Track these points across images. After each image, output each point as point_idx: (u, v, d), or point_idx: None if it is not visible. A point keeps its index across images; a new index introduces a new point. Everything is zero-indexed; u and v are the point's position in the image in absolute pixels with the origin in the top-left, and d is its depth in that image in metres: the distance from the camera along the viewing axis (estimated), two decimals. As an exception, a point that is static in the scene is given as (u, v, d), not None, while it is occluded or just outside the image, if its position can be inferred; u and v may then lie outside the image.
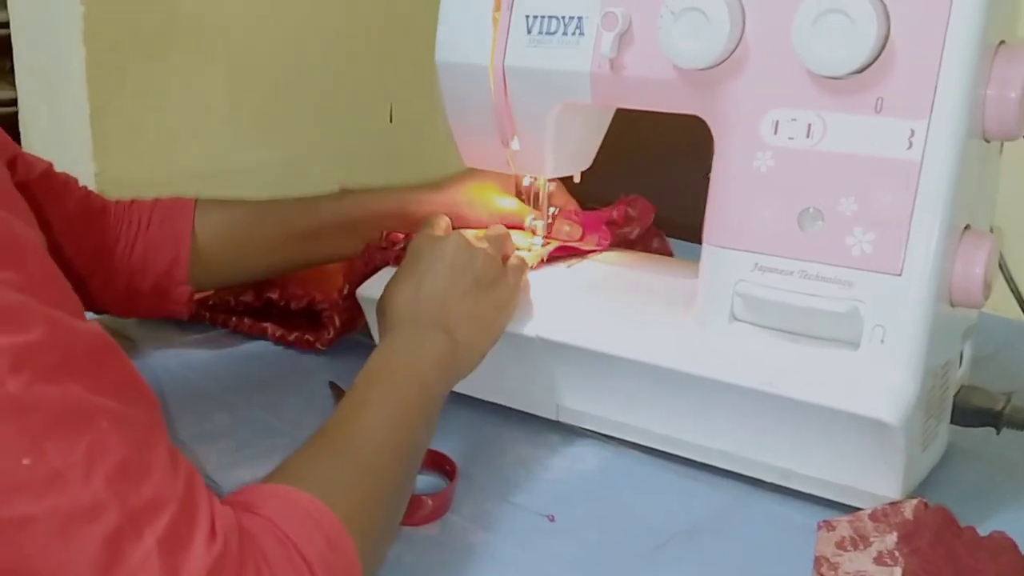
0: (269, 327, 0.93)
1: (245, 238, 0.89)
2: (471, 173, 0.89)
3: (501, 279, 0.74)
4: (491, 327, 0.73)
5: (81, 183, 0.85)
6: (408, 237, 0.82)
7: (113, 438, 0.43)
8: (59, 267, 0.47)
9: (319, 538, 0.49)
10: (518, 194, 0.89)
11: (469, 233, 0.75)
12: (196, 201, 0.87)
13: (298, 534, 0.49)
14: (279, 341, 0.93)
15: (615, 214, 0.89)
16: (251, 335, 0.94)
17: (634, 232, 0.90)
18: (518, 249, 0.81)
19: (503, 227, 0.82)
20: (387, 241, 0.84)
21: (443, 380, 0.67)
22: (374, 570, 0.56)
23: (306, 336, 0.91)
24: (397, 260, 0.80)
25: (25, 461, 0.40)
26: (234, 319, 0.95)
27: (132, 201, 0.87)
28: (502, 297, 0.74)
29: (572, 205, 0.89)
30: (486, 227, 0.83)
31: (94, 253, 0.82)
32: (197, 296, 0.93)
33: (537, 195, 0.86)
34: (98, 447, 0.42)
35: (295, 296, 0.93)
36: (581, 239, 0.87)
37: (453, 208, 0.86)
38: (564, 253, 0.84)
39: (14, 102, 1.21)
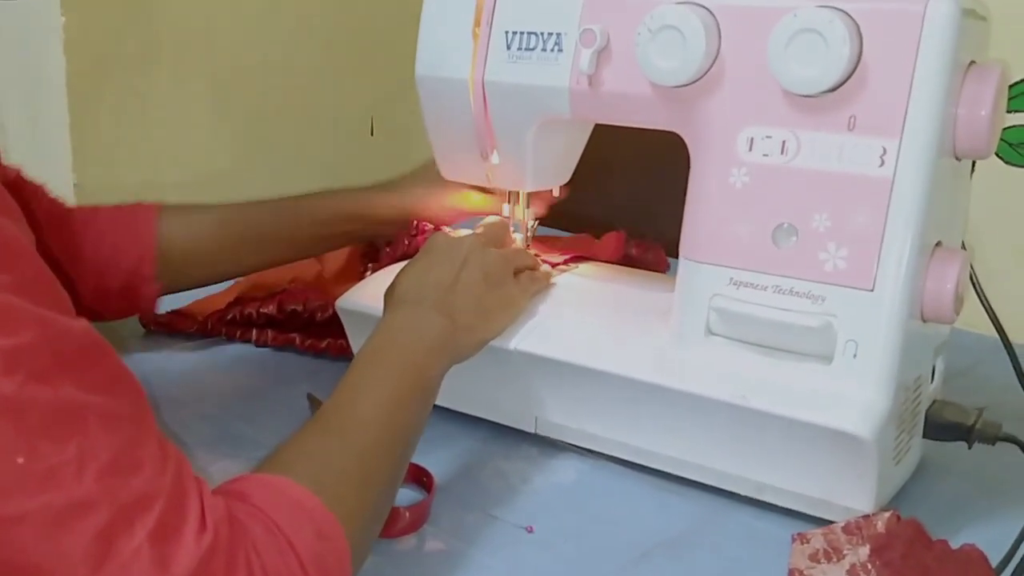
0: (297, 337, 0.93)
1: (210, 241, 0.89)
2: (425, 170, 0.89)
3: (510, 281, 0.75)
4: (493, 318, 0.73)
5: (61, 194, 0.85)
6: (437, 227, 0.85)
7: (103, 435, 0.44)
8: None
9: (309, 528, 0.50)
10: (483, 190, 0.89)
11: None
12: (160, 206, 0.88)
13: (288, 524, 0.50)
14: (308, 350, 0.93)
15: (635, 251, 0.91)
16: (276, 347, 0.94)
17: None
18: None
19: (501, 218, 0.83)
20: (416, 228, 0.87)
21: (440, 363, 0.67)
22: (364, 554, 0.57)
23: (339, 341, 0.90)
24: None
25: (19, 460, 0.41)
26: (255, 332, 0.95)
27: (95, 207, 0.88)
28: (509, 295, 0.75)
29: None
30: (446, 224, 0.86)
31: (64, 256, 0.83)
32: (213, 311, 0.94)
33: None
34: (89, 445, 0.43)
35: (319, 307, 0.92)
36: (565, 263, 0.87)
37: (406, 206, 0.88)
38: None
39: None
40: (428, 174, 0.89)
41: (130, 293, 0.87)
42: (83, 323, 0.46)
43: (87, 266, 0.84)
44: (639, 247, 0.94)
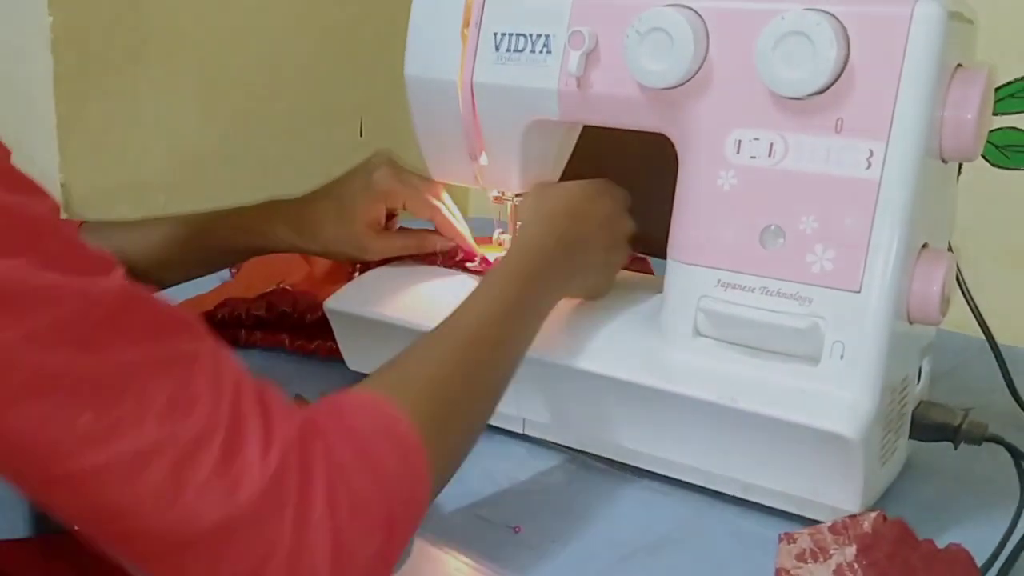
0: (286, 338, 0.93)
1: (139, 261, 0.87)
2: (363, 167, 0.87)
3: (624, 252, 0.79)
4: (605, 279, 0.77)
5: (49, 193, 0.85)
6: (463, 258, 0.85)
7: (157, 380, 0.46)
8: None
9: (396, 454, 0.53)
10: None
11: None
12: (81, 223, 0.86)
13: (378, 447, 0.52)
14: (297, 351, 0.92)
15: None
16: (265, 348, 0.94)
17: None
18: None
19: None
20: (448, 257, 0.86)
21: (553, 298, 0.71)
22: (445, 480, 0.60)
23: (328, 343, 0.89)
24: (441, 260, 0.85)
25: (84, 420, 0.44)
26: (243, 333, 0.94)
27: None
28: (618, 264, 0.79)
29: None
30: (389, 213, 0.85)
31: None
32: (202, 311, 0.93)
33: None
34: (145, 393, 0.46)
35: (309, 308, 0.92)
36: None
37: (341, 205, 0.86)
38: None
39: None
40: (356, 178, 0.87)
41: None
42: (117, 277, 0.47)
43: None
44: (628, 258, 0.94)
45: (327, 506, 0.49)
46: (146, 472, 0.45)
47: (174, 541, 0.46)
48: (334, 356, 0.88)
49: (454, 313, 0.65)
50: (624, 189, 0.79)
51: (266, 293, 0.96)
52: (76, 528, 0.48)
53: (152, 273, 0.86)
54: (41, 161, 1.12)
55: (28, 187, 0.48)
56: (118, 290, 0.47)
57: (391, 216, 0.87)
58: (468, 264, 0.85)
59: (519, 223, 0.76)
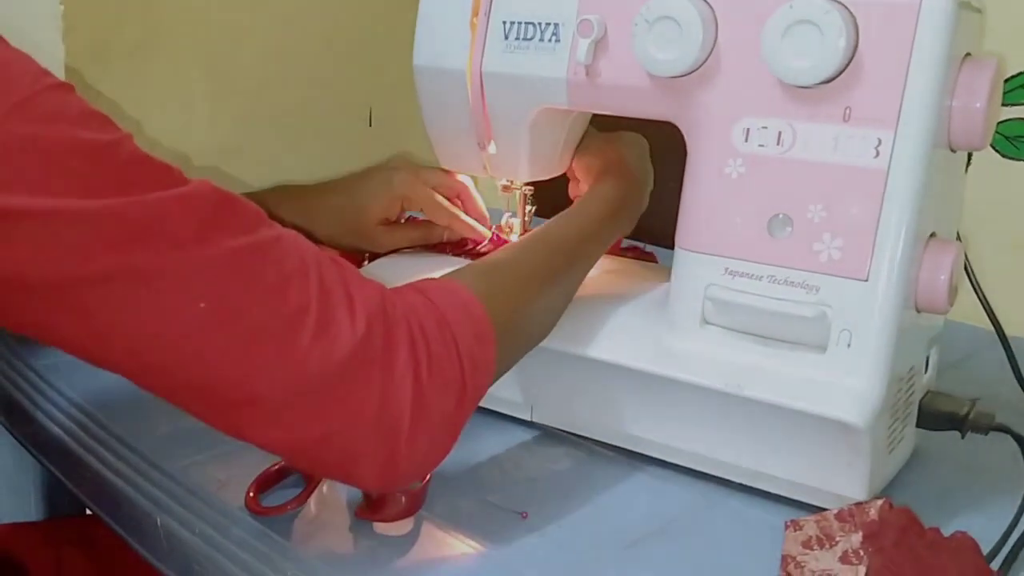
0: None
1: None
2: (371, 173, 0.89)
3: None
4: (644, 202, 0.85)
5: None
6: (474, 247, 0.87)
7: (258, 267, 0.53)
8: None
9: (470, 330, 0.60)
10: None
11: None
12: None
13: (455, 321, 0.59)
14: None
15: (628, 256, 0.93)
16: None
17: None
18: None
19: None
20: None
21: (617, 228, 0.80)
22: (506, 367, 0.66)
23: None
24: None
25: (202, 305, 0.51)
26: None
27: None
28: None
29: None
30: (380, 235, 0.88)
31: None
32: None
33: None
34: (250, 279, 0.53)
35: None
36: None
37: (346, 207, 0.87)
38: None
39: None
40: (374, 177, 0.88)
41: None
42: (206, 184, 0.53)
43: None
44: (632, 252, 0.94)
45: (410, 361, 0.56)
46: (260, 347, 0.52)
47: (282, 402, 0.53)
48: None
49: (540, 230, 0.74)
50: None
51: None
52: (176, 403, 0.55)
53: None
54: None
55: (110, 127, 0.52)
56: (210, 191, 0.53)
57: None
58: (479, 248, 0.86)
59: (585, 168, 0.85)
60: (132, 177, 0.50)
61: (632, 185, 0.81)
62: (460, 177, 0.88)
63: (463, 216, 0.87)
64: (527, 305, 0.67)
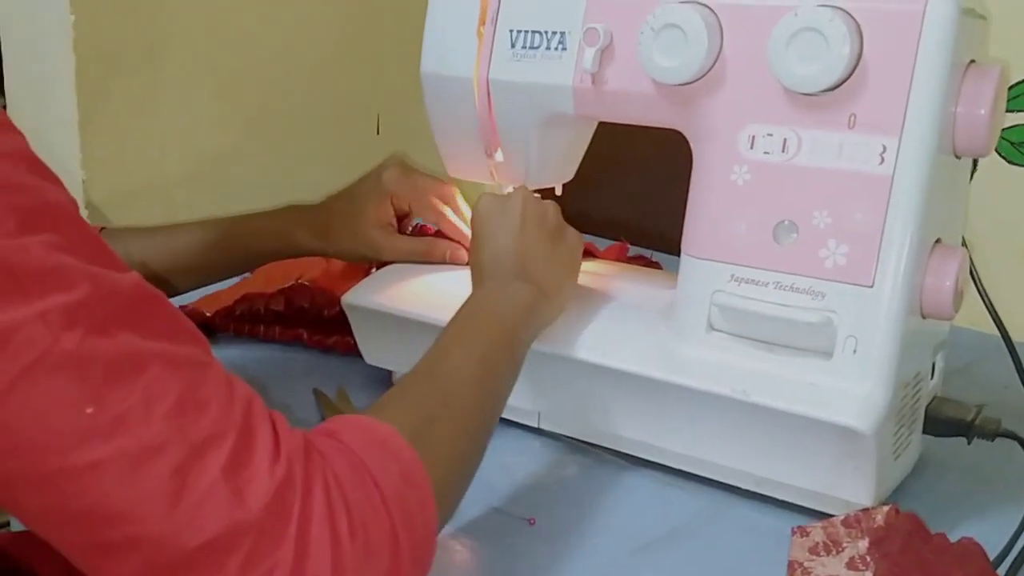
0: (304, 333, 0.94)
1: (138, 267, 0.88)
2: (376, 168, 0.87)
3: (565, 225, 0.76)
4: (571, 270, 0.76)
5: (70, 190, 0.86)
6: (439, 231, 0.86)
7: (167, 378, 0.45)
8: None
9: (394, 468, 0.51)
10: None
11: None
12: (101, 228, 0.87)
13: (373, 462, 0.50)
14: (315, 346, 0.93)
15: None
16: (283, 342, 0.95)
17: None
18: None
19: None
20: (418, 231, 0.87)
21: (529, 325, 0.69)
22: (450, 507, 0.57)
23: (346, 338, 0.90)
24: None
25: (88, 410, 0.43)
26: (263, 327, 0.95)
27: None
28: (572, 241, 0.76)
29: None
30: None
31: None
32: (221, 307, 0.94)
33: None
34: (155, 388, 0.44)
35: (326, 303, 0.93)
36: None
37: (353, 205, 0.86)
38: None
39: (3, 108, 1.22)
40: (369, 177, 0.87)
41: None
42: (134, 276, 0.47)
43: None
44: (639, 261, 0.95)
45: (326, 521, 0.47)
46: (149, 470, 0.43)
47: (173, 549, 0.44)
48: (352, 351, 0.89)
49: (434, 354, 0.63)
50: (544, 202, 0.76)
51: (284, 288, 0.97)
52: (54, 543, 0.45)
53: (173, 278, 0.86)
54: (61, 159, 1.13)
55: (51, 176, 0.48)
56: (134, 285, 0.46)
57: (403, 218, 0.88)
58: None
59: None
60: (57, 230, 0.44)
61: (485, 287, 0.71)
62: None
63: (450, 215, 0.86)
64: (456, 429, 0.58)
